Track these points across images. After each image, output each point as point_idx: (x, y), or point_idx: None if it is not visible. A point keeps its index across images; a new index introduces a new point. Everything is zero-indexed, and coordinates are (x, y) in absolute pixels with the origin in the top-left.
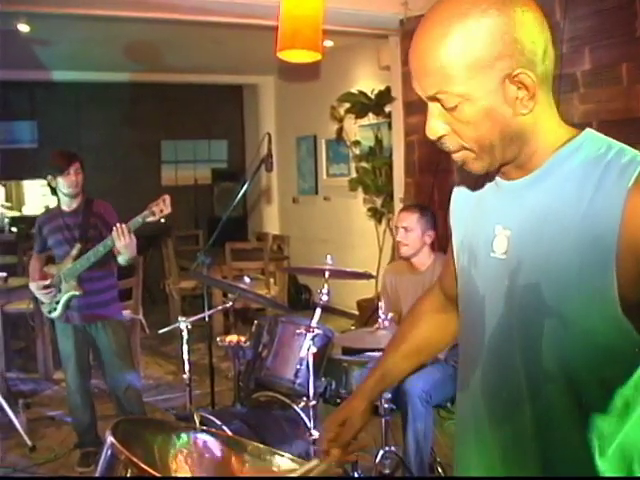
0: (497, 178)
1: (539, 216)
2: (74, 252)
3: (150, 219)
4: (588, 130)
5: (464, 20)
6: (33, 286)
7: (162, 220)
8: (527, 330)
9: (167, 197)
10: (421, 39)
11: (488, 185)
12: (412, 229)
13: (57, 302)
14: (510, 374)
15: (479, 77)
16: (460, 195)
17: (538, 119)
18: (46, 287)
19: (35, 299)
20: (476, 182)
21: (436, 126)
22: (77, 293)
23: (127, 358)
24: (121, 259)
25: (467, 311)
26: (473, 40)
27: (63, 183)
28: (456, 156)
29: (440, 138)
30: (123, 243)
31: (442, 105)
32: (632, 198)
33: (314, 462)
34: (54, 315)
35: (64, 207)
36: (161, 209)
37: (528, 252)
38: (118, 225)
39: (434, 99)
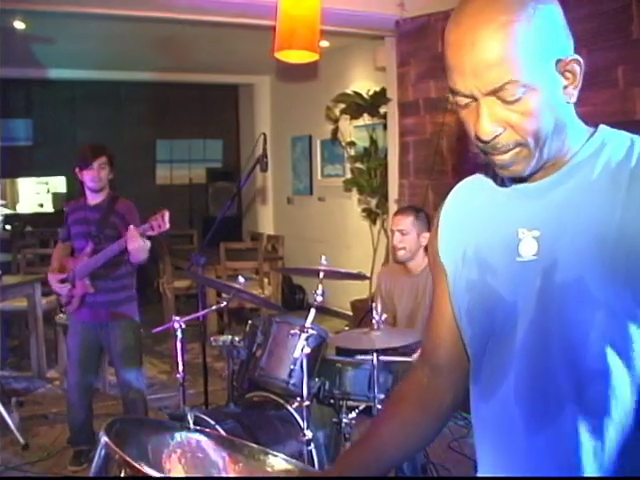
0: (513, 185)
1: (570, 213)
2: (88, 249)
3: (149, 233)
4: (602, 126)
5: (524, 7)
6: (50, 278)
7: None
8: (570, 328)
9: (166, 213)
10: (480, 31)
11: (495, 193)
12: (408, 232)
13: (72, 297)
14: (549, 377)
15: (543, 64)
16: (450, 216)
17: (573, 112)
18: (62, 281)
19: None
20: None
21: (491, 126)
22: (90, 291)
23: (133, 360)
24: (133, 259)
25: (488, 324)
26: (535, 27)
27: (86, 177)
28: (507, 156)
29: (495, 137)
30: (133, 246)
31: (503, 99)
32: None
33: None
34: (69, 309)
35: (89, 200)
36: (159, 224)
37: (563, 250)
38: (131, 228)
39: (493, 94)
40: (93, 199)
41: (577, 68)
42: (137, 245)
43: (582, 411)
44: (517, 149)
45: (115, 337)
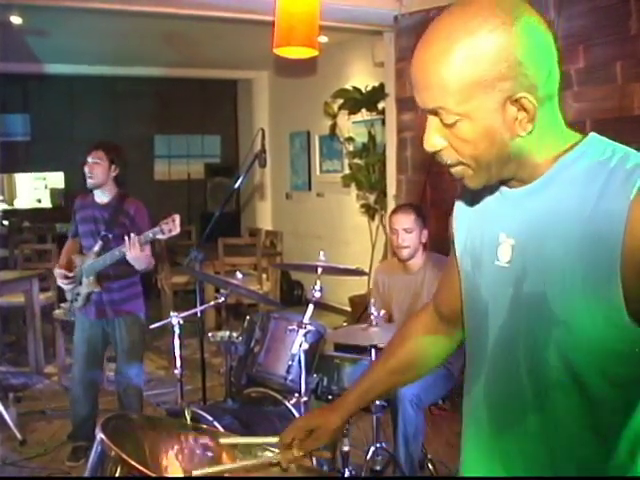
0: (501, 187)
1: (542, 224)
2: (96, 248)
3: (159, 236)
4: (593, 135)
5: (470, 38)
6: (56, 272)
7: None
8: (533, 338)
9: (177, 217)
10: (424, 51)
11: (493, 192)
12: (412, 230)
13: (78, 294)
14: (514, 383)
15: (480, 97)
16: (463, 202)
17: (539, 137)
18: (67, 277)
19: (58, 288)
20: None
21: (434, 139)
22: (96, 290)
23: (136, 356)
24: (136, 267)
25: (471, 316)
26: (477, 59)
27: (85, 172)
28: (454, 170)
29: (437, 152)
30: (132, 255)
31: (441, 120)
32: (636, 205)
33: (270, 455)
34: (75, 305)
35: (97, 199)
36: (170, 229)
37: (532, 260)
38: (132, 236)
39: (433, 113)
40: (100, 198)
41: (528, 104)
42: (135, 254)
43: (543, 419)
44: (460, 167)
45: (122, 334)
